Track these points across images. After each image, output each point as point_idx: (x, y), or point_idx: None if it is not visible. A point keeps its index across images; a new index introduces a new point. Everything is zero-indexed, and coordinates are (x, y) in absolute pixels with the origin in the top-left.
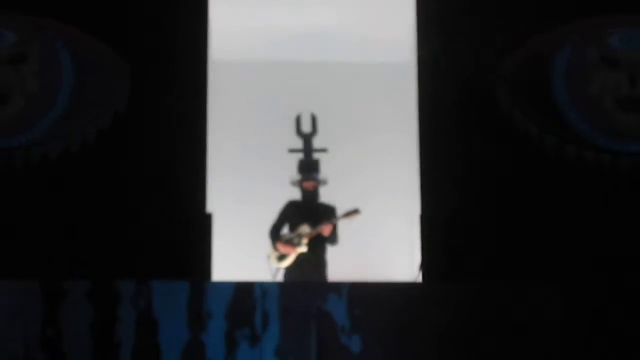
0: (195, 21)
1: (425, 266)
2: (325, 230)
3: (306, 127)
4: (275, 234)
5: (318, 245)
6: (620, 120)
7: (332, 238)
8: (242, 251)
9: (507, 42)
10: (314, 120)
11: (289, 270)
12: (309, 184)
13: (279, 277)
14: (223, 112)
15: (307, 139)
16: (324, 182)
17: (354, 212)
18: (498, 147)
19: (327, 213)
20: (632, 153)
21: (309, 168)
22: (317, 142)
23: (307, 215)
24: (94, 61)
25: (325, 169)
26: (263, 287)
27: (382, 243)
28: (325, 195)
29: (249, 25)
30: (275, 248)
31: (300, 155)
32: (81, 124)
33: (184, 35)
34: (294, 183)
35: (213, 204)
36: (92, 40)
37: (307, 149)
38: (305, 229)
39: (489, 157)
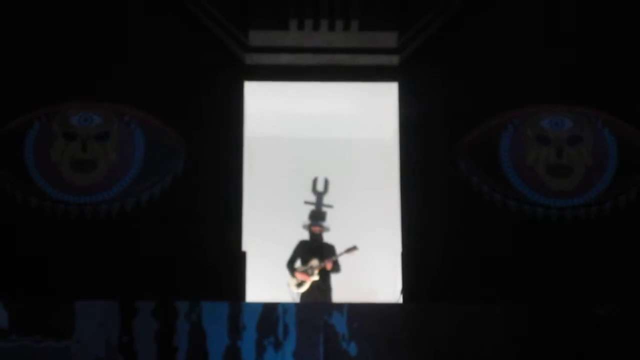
0: (235, 108)
1: (405, 291)
2: (328, 265)
3: (320, 187)
4: (291, 267)
5: (325, 275)
6: (549, 182)
7: (336, 269)
8: (269, 278)
9: (466, 125)
10: (326, 183)
11: (304, 293)
12: (316, 229)
13: (296, 299)
14: (255, 176)
15: (319, 196)
16: (328, 230)
17: (353, 248)
18: (460, 202)
19: (329, 250)
20: (558, 207)
21: (318, 217)
22: (326, 200)
23: (315, 252)
24: (159, 137)
25: (330, 220)
26: (284, 306)
27: (372, 273)
28: (328, 239)
29: (273, 109)
30: (293, 276)
31: (312, 207)
32: (149, 185)
33: (227, 116)
34: (304, 227)
35: (247, 244)
36: (158, 122)
37: (319, 203)
38: (315, 262)
39: (453, 209)
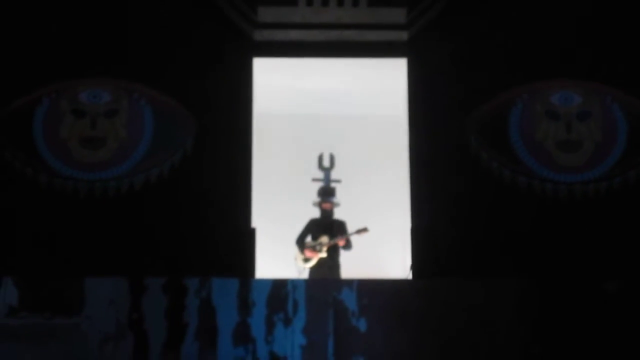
0: (244, 84)
1: (414, 267)
2: (341, 242)
3: (326, 163)
4: (301, 243)
5: (334, 251)
6: (559, 158)
7: (347, 246)
8: (277, 255)
9: (475, 100)
10: (332, 158)
11: (312, 270)
12: (327, 205)
13: (303, 274)
14: (264, 152)
15: (326, 172)
16: (338, 205)
17: (363, 229)
18: (469, 178)
19: (340, 227)
20: (568, 182)
21: (327, 193)
22: (334, 175)
23: (325, 229)
24: (168, 115)
25: (339, 195)
26: (293, 282)
27: (382, 250)
28: (339, 214)
29: (282, 85)
30: (302, 253)
31: (320, 184)
32: (158, 162)
33: (236, 93)
34: (315, 204)
35: (256, 220)
36: (167, 99)
37: (326, 179)
38: (325, 239)
39: (463, 185)
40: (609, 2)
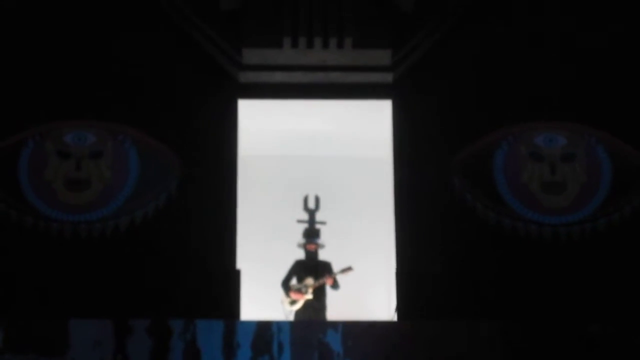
0: (229, 126)
1: (399, 309)
2: (329, 281)
3: (311, 205)
4: (286, 285)
5: (320, 293)
6: (543, 200)
7: (335, 286)
8: (262, 297)
9: (460, 142)
10: (317, 200)
11: (298, 312)
12: (311, 247)
13: (290, 317)
14: (249, 193)
15: (311, 213)
16: (323, 246)
17: (347, 269)
18: (453, 220)
19: (325, 268)
20: (552, 224)
21: (311, 235)
22: (319, 216)
23: (310, 270)
24: (153, 156)
25: (324, 236)
26: (279, 324)
27: (367, 291)
28: (323, 255)
29: (267, 127)
30: (287, 295)
31: (305, 225)
32: (143, 203)
33: (221, 134)
34: (299, 246)
35: (241, 262)
36: (152, 140)
37: (311, 220)
38: (310, 281)
39: (447, 227)
40: (593, 45)
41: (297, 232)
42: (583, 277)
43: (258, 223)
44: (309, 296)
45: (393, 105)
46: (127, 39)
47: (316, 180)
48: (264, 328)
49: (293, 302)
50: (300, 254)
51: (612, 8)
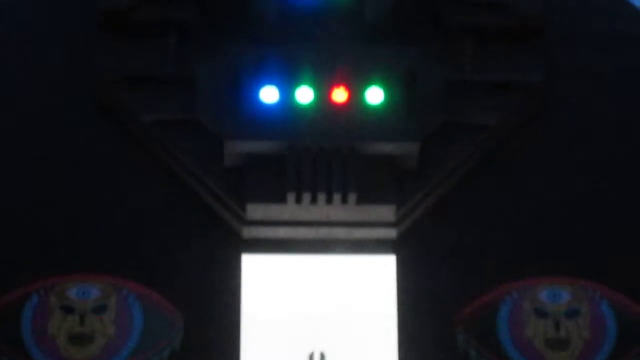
0: (232, 280)
1: None
2: None
3: None
4: None
5: None
6: (548, 356)
7: None
8: None
9: (464, 297)
10: (322, 357)
11: None
12: None
13: None
14: (253, 349)
15: None
16: None
17: None
18: None
19: None
20: None
21: None
22: None
23: None
24: (157, 311)
25: None
26: None
27: None
28: None
29: (271, 282)
30: None
31: None
32: (146, 359)
33: (225, 289)
34: None
35: None
36: (156, 295)
37: None
38: None
39: None
40: (595, 195)
41: None
42: None
43: None
44: None
45: (397, 261)
46: (130, 192)
47: (321, 336)
48: None
49: None
50: None
51: (612, 168)
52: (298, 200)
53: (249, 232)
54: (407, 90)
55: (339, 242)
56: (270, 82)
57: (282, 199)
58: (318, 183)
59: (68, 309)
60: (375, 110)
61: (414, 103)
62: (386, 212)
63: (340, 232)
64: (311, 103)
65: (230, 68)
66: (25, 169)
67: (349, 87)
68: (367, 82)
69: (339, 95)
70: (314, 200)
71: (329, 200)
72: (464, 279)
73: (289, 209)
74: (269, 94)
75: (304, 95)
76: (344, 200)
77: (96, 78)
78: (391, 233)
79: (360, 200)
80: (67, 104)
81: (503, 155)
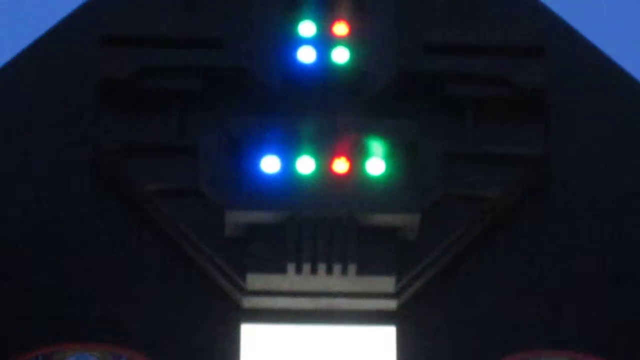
0: (231, 351)
1: None
2: None
3: None
4: None
5: None
6: None
7: None
8: None
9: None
10: None
11: None
12: None
13: None
14: None
15: None
16: None
17: None
18: None
19: None
20: None
21: None
22: None
23: None
24: None
25: None
26: None
27: None
28: None
29: (271, 353)
30: None
31: None
32: None
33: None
34: None
35: None
36: None
37: None
38: None
39: None
40: (598, 270)
41: None
42: None
43: None
44: None
45: (397, 332)
46: (129, 261)
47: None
48: None
49: None
50: None
51: (616, 241)
52: (298, 270)
53: (248, 302)
54: (407, 161)
55: (339, 313)
56: (272, 152)
57: (282, 270)
58: (318, 254)
59: None
60: (376, 181)
61: (415, 175)
62: (386, 283)
63: (340, 303)
64: (312, 173)
65: (232, 138)
66: (24, 237)
67: (350, 158)
68: (368, 153)
69: (340, 165)
70: (314, 270)
71: (329, 271)
72: (463, 352)
73: (289, 280)
74: (270, 164)
75: (305, 165)
76: (344, 271)
77: (97, 148)
78: (391, 304)
79: (360, 271)
80: (66, 174)
81: (503, 228)
